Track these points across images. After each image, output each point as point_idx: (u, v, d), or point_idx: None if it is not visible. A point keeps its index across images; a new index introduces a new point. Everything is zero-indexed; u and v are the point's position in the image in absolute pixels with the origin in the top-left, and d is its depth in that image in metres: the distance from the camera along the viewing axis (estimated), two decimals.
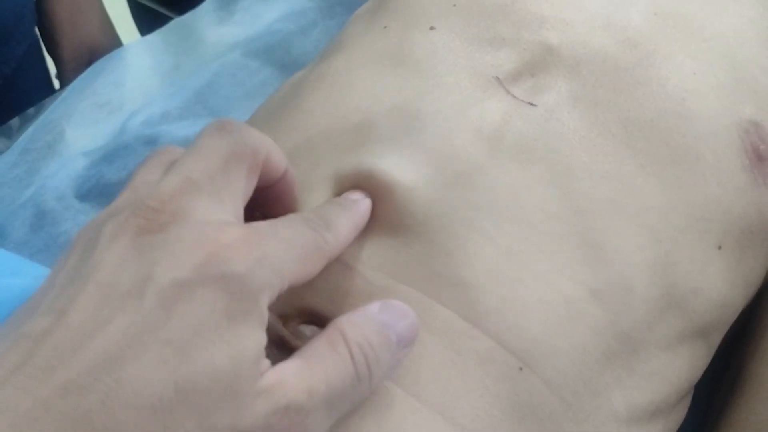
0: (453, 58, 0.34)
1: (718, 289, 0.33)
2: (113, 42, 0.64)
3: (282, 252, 0.23)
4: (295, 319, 0.29)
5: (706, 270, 0.32)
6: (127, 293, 0.20)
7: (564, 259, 0.30)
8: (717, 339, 0.35)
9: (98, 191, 0.50)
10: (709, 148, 0.33)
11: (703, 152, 0.33)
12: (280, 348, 0.28)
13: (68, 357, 0.19)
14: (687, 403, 0.35)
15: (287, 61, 0.57)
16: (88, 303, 0.20)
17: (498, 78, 0.33)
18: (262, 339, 0.21)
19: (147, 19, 0.79)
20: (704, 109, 0.33)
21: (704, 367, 0.35)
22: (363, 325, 0.24)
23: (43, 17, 0.61)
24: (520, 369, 0.28)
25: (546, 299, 0.29)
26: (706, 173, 0.33)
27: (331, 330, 0.23)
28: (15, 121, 0.55)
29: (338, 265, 0.30)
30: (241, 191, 0.24)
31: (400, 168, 0.31)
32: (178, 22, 0.61)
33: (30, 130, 0.53)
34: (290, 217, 0.25)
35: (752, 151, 0.34)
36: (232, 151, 0.24)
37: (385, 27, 0.38)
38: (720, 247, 0.33)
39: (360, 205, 0.29)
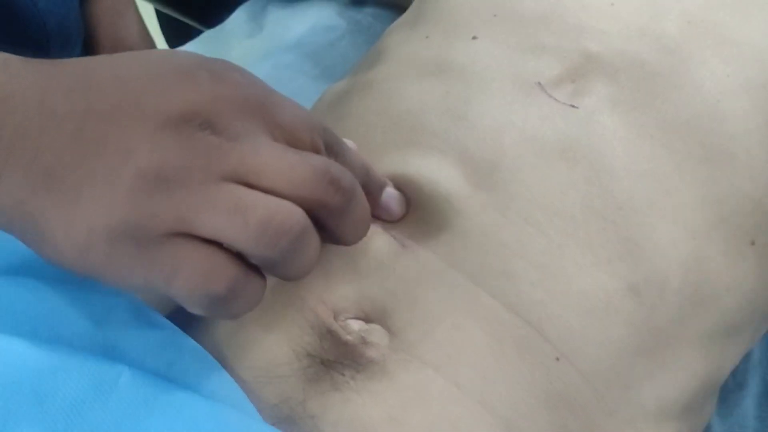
0: (496, 65, 0.36)
1: (749, 286, 0.34)
2: (150, 47, 0.66)
3: None
4: (344, 314, 0.31)
5: (739, 265, 0.34)
6: None
7: (604, 254, 0.31)
8: (746, 338, 0.36)
9: None
10: (743, 146, 0.34)
11: (736, 151, 0.34)
12: (330, 341, 0.30)
13: None
14: (714, 402, 0.36)
15: (317, 72, 0.58)
16: None
17: (540, 83, 0.35)
18: None
19: (175, 32, 0.80)
20: (738, 110, 0.34)
21: (733, 366, 0.36)
22: None
23: (83, 19, 0.63)
24: (557, 359, 0.30)
25: (586, 292, 0.31)
26: (739, 170, 0.34)
27: None
28: None
29: (394, 246, 0.31)
30: None
31: (454, 167, 0.32)
32: (209, 35, 0.62)
33: None
34: None
35: None
36: None
37: (427, 37, 0.39)
38: (753, 243, 0.34)
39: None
